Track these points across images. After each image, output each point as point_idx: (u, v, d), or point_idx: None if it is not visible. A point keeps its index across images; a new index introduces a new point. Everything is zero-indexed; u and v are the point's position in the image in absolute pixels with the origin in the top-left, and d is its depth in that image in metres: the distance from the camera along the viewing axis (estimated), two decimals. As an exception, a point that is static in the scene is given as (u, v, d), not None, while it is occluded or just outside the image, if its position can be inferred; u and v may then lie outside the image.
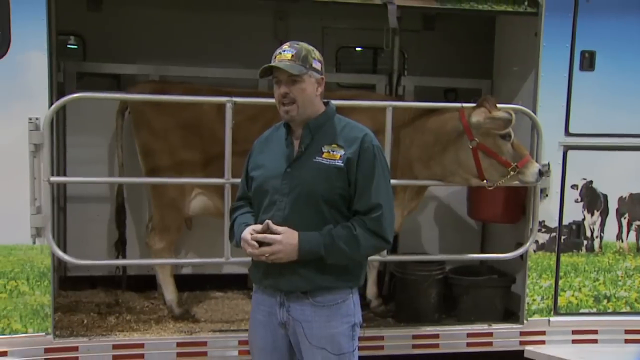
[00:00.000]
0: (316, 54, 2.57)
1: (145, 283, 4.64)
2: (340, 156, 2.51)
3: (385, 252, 3.98)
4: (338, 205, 2.53)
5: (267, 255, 2.46)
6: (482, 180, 3.85)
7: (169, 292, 4.27)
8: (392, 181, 3.74)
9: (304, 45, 2.56)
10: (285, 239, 2.44)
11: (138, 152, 4.18)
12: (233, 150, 3.62)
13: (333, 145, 2.53)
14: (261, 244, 2.47)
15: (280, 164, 2.57)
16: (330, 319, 2.56)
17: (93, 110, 4.34)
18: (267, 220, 2.48)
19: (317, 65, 2.55)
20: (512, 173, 3.77)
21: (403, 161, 4.10)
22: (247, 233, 2.50)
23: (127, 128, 4.27)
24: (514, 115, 3.72)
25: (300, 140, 2.57)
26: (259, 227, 2.50)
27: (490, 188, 3.85)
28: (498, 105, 3.80)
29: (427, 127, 4.04)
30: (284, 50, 2.52)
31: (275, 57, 2.53)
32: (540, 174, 3.82)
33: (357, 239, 2.48)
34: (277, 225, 2.48)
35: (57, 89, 4.10)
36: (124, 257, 4.40)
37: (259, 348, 2.69)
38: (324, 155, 2.52)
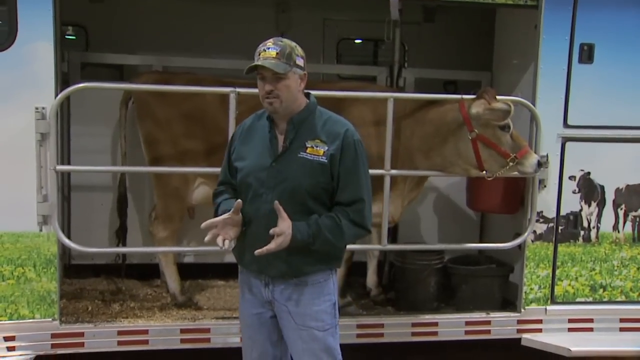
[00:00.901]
0: (299, 50, 2.62)
1: (148, 271, 4.69)
2: (324, 152, 2.60)
3: (385, 241, 4.04)
4: (321, 198, 2.63)
5: (274, 248, 2.52)
6: (482, 171, 3.90)
7: (172, 280, 4.33)
8: (394, 171, 3.89)
9: (287, 42, 2.61)
10: (288, 229, 2.52)
11: (142, 142, 4.22)
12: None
13: (316, 141, 2.61)
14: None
15: (265, 157, 2.64)
16: (314, 297, 2.68)
17: (97, 100, 4.37)
18: (276, 201, 2.53)
19: (300, 62, 2.61)
20: (511, 164, 3.81)
21: (404, 152, 4.15)
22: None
23: (130, 118, 4.32)
24: (512, 106, 3.77)
25: (284, 135, 2.64)
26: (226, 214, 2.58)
27: (489, 179, 3.90)
28: (497, 97, 3.85)
29: (428, 118, 4.08)
30: (268, 48, 2.56)
31: (259, 54, 2.58)
32: (539, 164, 3.86)
33: (342, 228, 2.59)
34: (265, 217, 2.58)
35: (61, 79, 4.14)
36: (124, 245, 4.45)
37: (247, 325, 2.81)
38: (307, 151, 2.60)
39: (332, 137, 2.62)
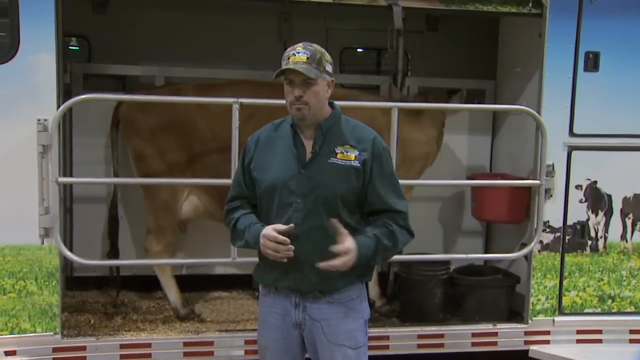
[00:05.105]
0: (327, 56, 2.58)
1: (151, 283, 4.65)
2: (355, 157, 2.56)
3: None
4: (351, 205, 2.58)
5: (339, 265, 2.45)
6: None
7: (172, 293, 4.29)
8: (405, 182, 3.83)
9: (317, 47, 2.56)
10: (353, 245, 2.46)
11: (131, 160, 4.22)
12: (219, 147, 3.72)
13: (346, 146, 2.57)
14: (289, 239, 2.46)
15: (291, 165, 2.57)
16: (347, 315, 2.62)
17: (99, 111, 4.35)
18: (333, 219, 2.48)
19: (329, 68, 2.57)
20: None
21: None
22: (271, 231, 2.47)
23: (121, 140, 4.30)
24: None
25: (313, 141, 2.59)
26: (280, 226, 2.47)
27: None
28: (503, 106, 3.85)
29: None
30: (298, 52, 2.51)
31: (288, 58, 2.51)
32: None
33: (395, 234, 2.57)
34: (297, 226, 2.49)
35: (63, 90, 4.12)
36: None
37: (271, 350, 2.70)
38: (338, 156, 2.55)
39: (362, 142, 2.59)
